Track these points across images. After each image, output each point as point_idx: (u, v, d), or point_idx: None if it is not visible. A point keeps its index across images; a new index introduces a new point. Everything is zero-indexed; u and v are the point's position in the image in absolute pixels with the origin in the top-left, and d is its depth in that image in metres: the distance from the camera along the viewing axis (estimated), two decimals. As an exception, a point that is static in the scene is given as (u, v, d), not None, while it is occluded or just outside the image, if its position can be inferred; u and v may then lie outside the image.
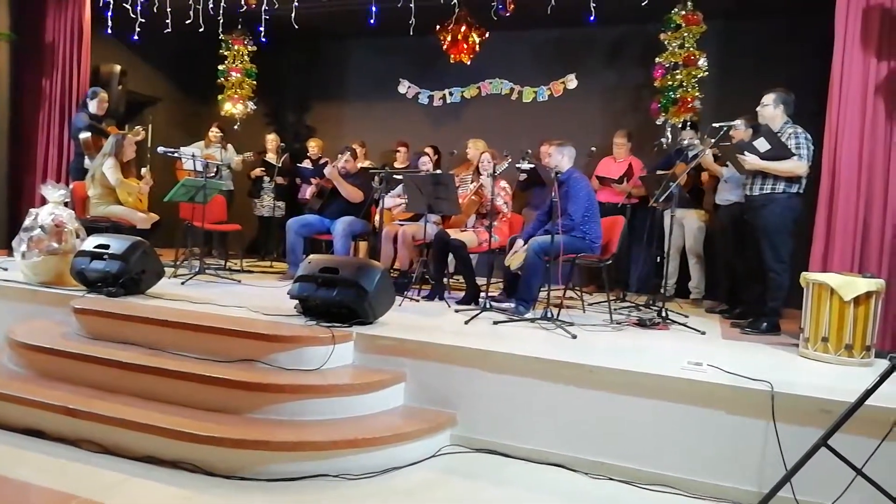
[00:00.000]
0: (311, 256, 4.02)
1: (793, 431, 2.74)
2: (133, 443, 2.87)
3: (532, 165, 5.77)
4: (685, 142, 5.67)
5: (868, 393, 2.49)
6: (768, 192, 4.28)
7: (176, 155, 6.09)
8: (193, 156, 6.15)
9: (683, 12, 5.91)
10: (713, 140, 4.72)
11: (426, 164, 5.93)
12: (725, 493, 2.81)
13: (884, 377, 2.48)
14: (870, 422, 2.60)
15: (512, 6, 6.00)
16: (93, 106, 6.23)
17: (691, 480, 2.87)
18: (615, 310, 4.79)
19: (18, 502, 2.48)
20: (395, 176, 5.91)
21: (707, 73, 5.98)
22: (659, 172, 5.46)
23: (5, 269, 4.95)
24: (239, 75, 7.71)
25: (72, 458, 2.85)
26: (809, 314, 3.69)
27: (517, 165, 5.17)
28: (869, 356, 3.56)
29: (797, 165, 4.17)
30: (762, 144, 4.19)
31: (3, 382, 3.31)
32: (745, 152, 4.25)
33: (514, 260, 4.62)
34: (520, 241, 4.69)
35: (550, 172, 4.55)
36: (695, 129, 5.78)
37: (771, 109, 4.33)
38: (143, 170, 5.98)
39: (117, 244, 4.25)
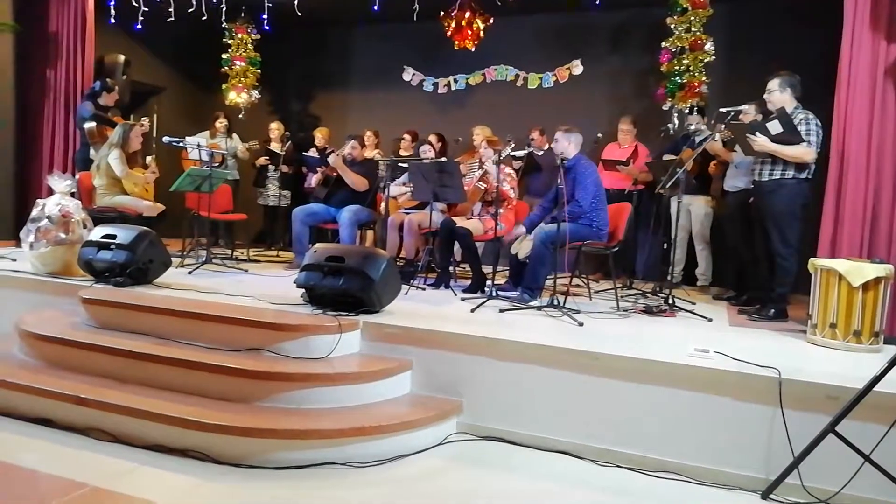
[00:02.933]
0: (317, 245, 4.02)
1: (800, 418, 2.73)
2: (142, 431, 2.89)
3: (526, 151, 5.74)
4: (692, 127, 5.63)
5: (876, 379, 2.49)
6: (777, 177, 4.24)
7: (181, 145, 6.09)
8: (199, 145, 6.14)
9: (690, -5, 5.85)
10: (723, 125, 4.67)
11: (427, 151, 5.92)
12: (733, 480, 2.81)
13: (892, 363, 2.47)
14: (878, 408, 2.58)
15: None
16: (103, 98, 6.22)
17: (698, 467, 2.87)
18: (622, 297, 4.77)
19: (28, 490, 2.51)
20: (399, 164, 5.89)
21: (714, 57, 5.92)
22: (665, 158, 5.42)
23: (14, 260, 4.97)
24: (243, 64, 7.69)
25: (81, 446, 2.87)
26: (817, 300, 3.67)
27: (512, 154, 5.14)
28: (877, 342, 3.55)
29: (805, 151, 4.13)
30: (775, 127, 4.15)
31: (13, 372, 3.33)
32: (757, 133, 4.21)
33: (522, 248, 4.61)
34: (521, 227, 4.67)
35: (551, 159, 4.52)
36: (702, 114, 5.73)
37: (778, 94, 4.28)
38: (149, 159, 5.99)
39: (124, 234, 4.26)
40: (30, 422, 3.08)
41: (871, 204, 4.15)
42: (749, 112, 4.85)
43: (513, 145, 5.13)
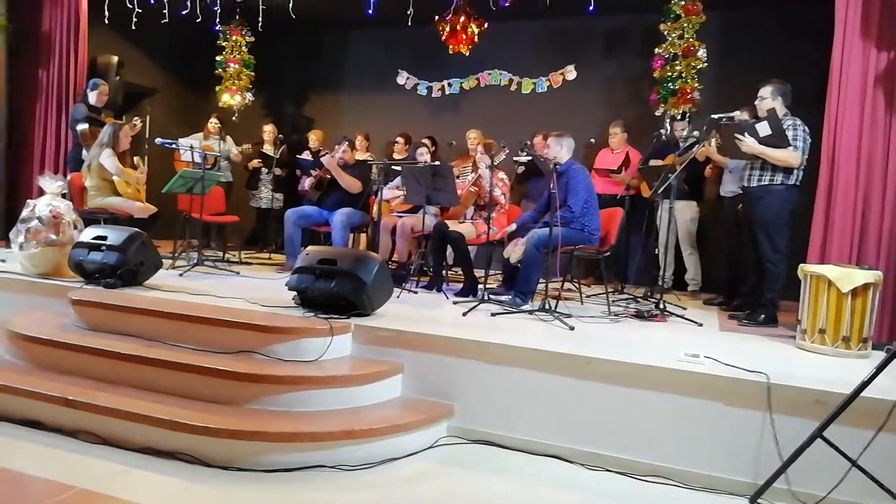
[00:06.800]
0: (310, 248, 4.01)
1: (789, 423, 2.74)
2: (131, 434, 2.88)
3: (530, 157, 5.76)
4: (684, 133, 5.66)
5: (864, 384, 2.50)
6: (766, 183, 4.27)
7: (174, 146, 6.07)
8: (192, 147, 6.13)
9: (683, 2, 5.90)
10: (714, 130, 4.70)
11: (423, 154, 5.92)
12: (721, 484, 2.82)
13: (880, 368, 2.49)
14: (865, 413, 2.60)
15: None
16: (93, 97, 6.20)
17: (687, 471, 2.87)
18: (613, 302, 4.78)
19: (17, 493, 2.49)
20: (393, 167, 5.89)
21: (706, 63, 5.96)
22: (652, 163, 5.45)
23: (3, 261, 4.94)
24: (237, 66, 7.69)
25: (70, 449, 2.85)
26: (807, 306, 3.69)
27: (514, 158, 5.16)
28: (866, 348, 3.57)
29: (792, 156, 4.16)
30: (763, 129, 4.17)
31: (1, 374, 3.30)
32: (746, 133, 4.23)
33: (514, 253, 4.62)
34: (513, 226, 4.70)
35: (548, 163, 4.55)
36: (686, 121, 5.77)
37: (769, 102, 4.31)
38: (136, 159, 5.96)
39: (115, 235, 4.25)
40: (18, 424, 3.06)
41: (860, 210, 4.17)
42: (741, 119, 4.88)
43: (507, 151, 5.14)
